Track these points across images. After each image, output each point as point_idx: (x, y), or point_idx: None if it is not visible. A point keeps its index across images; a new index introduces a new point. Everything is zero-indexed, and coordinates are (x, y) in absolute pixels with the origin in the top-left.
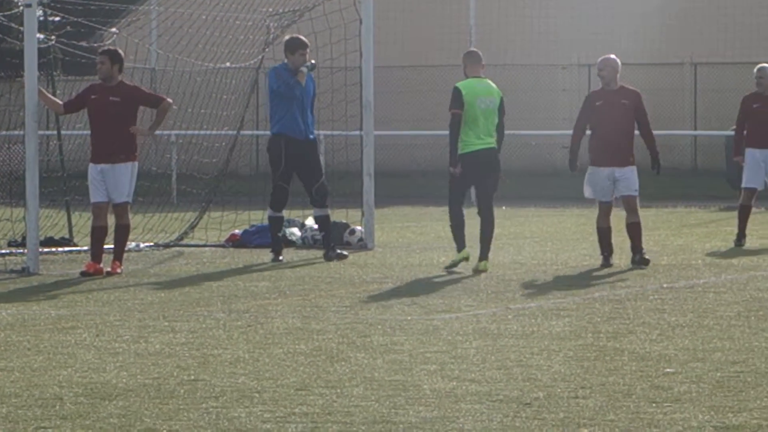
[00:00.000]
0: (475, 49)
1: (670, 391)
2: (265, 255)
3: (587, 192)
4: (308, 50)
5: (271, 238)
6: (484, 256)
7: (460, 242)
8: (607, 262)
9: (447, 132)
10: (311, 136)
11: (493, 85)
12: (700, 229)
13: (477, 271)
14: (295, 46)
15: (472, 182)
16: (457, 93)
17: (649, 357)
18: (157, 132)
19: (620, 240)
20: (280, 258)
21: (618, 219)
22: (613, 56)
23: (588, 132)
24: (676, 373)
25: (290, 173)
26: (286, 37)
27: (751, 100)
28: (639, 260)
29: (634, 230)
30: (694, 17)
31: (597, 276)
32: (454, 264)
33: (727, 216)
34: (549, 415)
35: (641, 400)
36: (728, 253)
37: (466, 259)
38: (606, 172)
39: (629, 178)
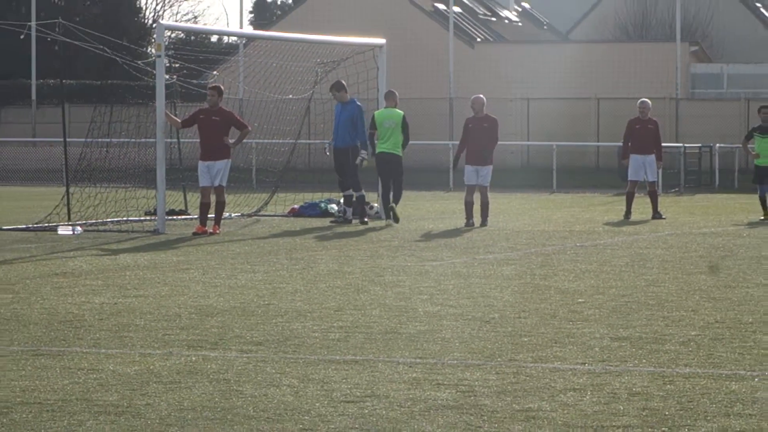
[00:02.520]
0: (392, 90)
1: (581, 314)
2: (316, 222)
3: (465, 179)
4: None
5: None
6: (396, 217)
7: (386, 213)
8: (472, 223)
9: (432, 142)
10: (341, 145)
11: (397, 111)
12: (601, 207)
13: (388, 225)
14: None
15: (386, 172)
16: (372, 118)
17: (567, 291)
18: (244, 141)
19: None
20: (365, 219)
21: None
22: (481, 95)
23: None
24: (585, 302)
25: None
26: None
27: (634, 123)
28: (482, 224)
29: (484, 207)
30: (597, 67)
31: (531, 238)
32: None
33: (619, 199)
34: (501, 329)
35: (562, 320)
36: (619, 223)
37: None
38: (473, 168)
39: (486, 174)
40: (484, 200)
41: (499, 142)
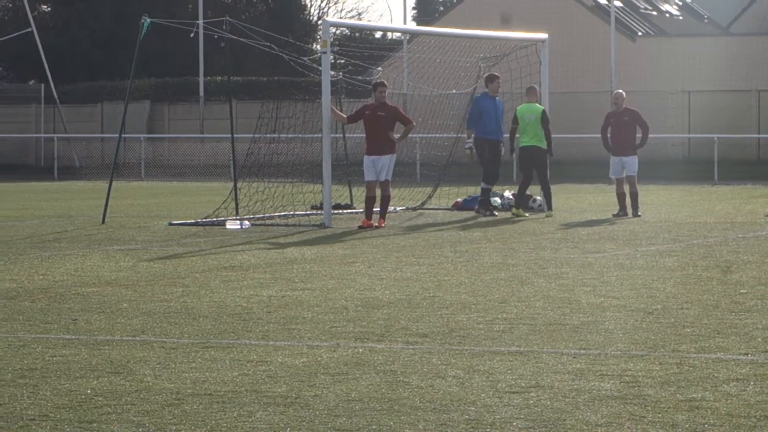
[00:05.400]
0: (533, 85)
1: (744, 305)
2: (480, 216)
3: (610, 172)
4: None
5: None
6: (549, 207)
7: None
8: (623, 213)
9: (595, 135)
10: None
11: (537, 105)
12: (762, 199)
13: (547, 217)
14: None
15: (529, 165)
16: (515, 113)
17: (729, 282)
18: (408, 135)
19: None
20: (487, 213)
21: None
22: (620, 90)
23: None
24: (747, 293)
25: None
26: (486, 74)
27: None
28: (634, 215)
29: (633, 197)
30: (758, 60)
31: (693, 230)
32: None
33: None
34: (664, 320)
35: (725, 311)
36: None
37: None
38: (618, 159)
39: (631, 163)
40: (632, 190)
41: (661, 135)
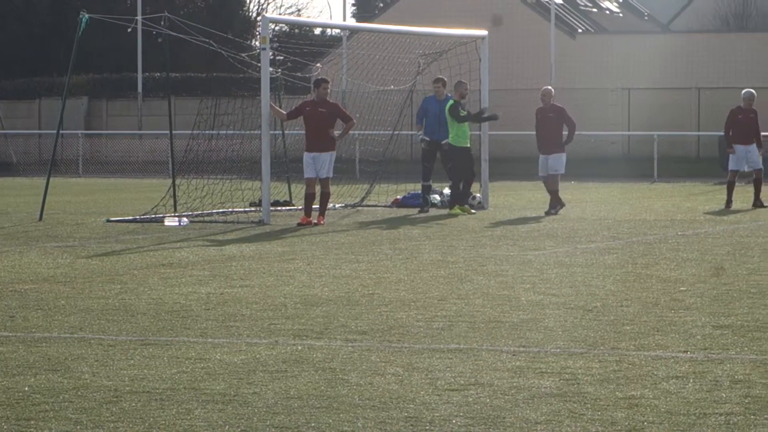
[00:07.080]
0: (460, 80)
1: (683, 302)
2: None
3: (539, 170)
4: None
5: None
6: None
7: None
8: (555, 211)
9: (530, 132)
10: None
11: (451, 100)
12: (702, 197)
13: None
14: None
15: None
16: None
17: (669, 280)
18: (350, 132)
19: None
20: (420, 212)
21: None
22: (549, 87)
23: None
24: (687, 290)
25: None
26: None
27: (735, 113)
28: (548, 213)
29: (551, 195)
30: (698, 57)
31: (632, 227)
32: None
33: (720, 188)
34: (603, 317)
35: (664, 308)
36: (720, 212)
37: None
38: (543, 157)
39: (555, 161)
40: (551, 188)
41: (600, 132)
